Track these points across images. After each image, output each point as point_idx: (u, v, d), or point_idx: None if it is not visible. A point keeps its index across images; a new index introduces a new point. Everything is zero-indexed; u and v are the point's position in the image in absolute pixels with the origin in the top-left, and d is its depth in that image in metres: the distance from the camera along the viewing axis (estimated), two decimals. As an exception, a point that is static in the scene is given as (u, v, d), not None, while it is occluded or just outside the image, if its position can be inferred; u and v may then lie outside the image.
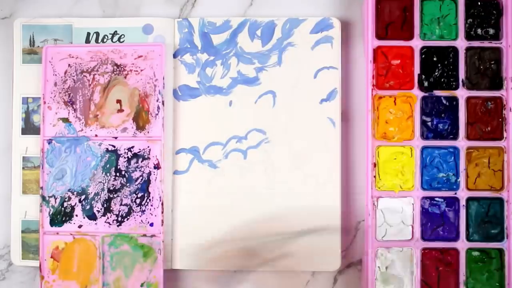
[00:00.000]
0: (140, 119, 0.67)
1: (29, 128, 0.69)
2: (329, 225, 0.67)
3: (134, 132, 0.67)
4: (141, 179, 0.67)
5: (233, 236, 0.68)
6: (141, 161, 0.67)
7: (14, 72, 0.69)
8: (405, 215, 0.66)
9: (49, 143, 0.68)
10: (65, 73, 0.68)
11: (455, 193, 0.66)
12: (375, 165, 0.66)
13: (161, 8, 0.70)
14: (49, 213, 0.68)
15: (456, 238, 0.66)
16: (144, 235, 0.67)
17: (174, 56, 0.69)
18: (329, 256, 0.67)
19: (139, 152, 0.67)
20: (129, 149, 0.67)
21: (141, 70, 0.68)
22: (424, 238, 0.66)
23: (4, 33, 0.70)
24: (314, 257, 0.67)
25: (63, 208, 0.68)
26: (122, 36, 0.69)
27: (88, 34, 0.69)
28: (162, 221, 0.67)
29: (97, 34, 0.69)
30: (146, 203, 0.67)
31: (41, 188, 0.68)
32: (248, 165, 0.68)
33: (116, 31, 0.69)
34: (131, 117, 0.67)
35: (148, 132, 0.67)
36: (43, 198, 0.68)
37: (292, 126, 0.68)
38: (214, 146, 0.68)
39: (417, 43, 0.67)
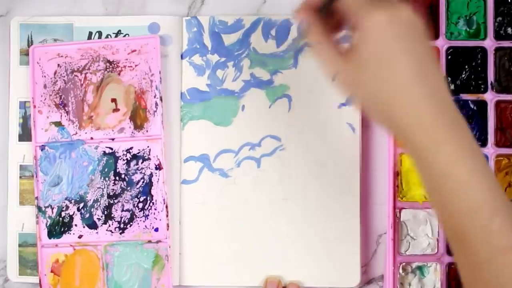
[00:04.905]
0: (138, 118, 0.67)
1: (27, 134, 0.68)
2: (347, 238, 0.66)
3: (132, 132, 0.67)
4: (143, 182, 0.66)
5: (245, 250, 0.66)
6: (141, 163, 0.66)
7: (11, 74, 0.68)
8: (430, 228, 0.65)
9: (42, 150, 0.67)
10: (55, 73, 0.67)
11: (484, 204, 0.65)
12: (397, 174, 0.65)
13: (168, 6, 0.69)
14: (46, 225, 0.67)
15: (485, 252, 0.64)
16: (150, 242, 0.66)
17: (182, 57, 0.68)
18: (348, 272, 0.66)
19: (138, 153, 0.66)
20: (128, 151, 0.67)
21: (136, 66, 0.67)
22: (450, 252, 0.65)
23: (1, 32, 0.69)
24: (332, 273, 0.66)
25: (61, 218, 0.67)
26: (127, 35, 0.68)
27: (90, 33, 0.68)
28: (168, 225, 0.66)
29: (100, 33, 0.68)
30: (149, 207, 0.66)
31: (36, 198, 0.66)
32: (262, 174, 0.67)
33: (120, 30, 0.68)
34: (127, 116, 0.67)
35: (147, 131, 0.67)
36: (39, 208, 0.67)
37: (308, 132, 0.67)
38: (226, 153, 0.67)
39: (442, 43, 0.66)
